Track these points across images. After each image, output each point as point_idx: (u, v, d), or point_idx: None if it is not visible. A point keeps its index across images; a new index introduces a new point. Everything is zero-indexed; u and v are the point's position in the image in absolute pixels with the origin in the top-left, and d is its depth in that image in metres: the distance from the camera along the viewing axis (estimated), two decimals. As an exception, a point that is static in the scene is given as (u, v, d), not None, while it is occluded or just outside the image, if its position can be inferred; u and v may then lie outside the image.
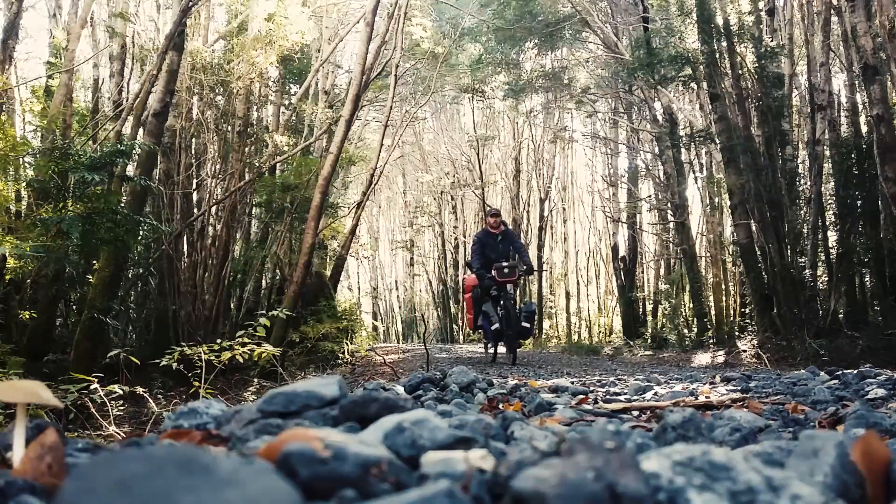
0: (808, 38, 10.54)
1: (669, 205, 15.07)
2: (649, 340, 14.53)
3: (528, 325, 8.43)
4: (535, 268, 26.69)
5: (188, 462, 0.46)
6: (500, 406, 1.78)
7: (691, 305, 13.75)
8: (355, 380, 7.79)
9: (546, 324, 23.56)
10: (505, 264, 8.25)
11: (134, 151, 7.70)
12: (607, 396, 2.15)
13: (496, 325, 8.38)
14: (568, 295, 25.18)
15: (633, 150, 18.88)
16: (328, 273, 14.64)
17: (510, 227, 9.35)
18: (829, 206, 10.44)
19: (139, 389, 4.60)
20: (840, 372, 2.58)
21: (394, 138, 18.14)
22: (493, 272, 8.21)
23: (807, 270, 9.86)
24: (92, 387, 4.15)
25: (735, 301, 12.58)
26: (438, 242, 31.20)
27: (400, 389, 2.17)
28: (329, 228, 14.25)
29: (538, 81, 19.31)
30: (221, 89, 11.61)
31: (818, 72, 10.23)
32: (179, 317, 9.98)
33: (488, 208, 8.86)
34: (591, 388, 2.54)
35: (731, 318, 12.33)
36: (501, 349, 9.17)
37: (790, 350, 8.81)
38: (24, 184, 8.74)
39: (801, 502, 0.52)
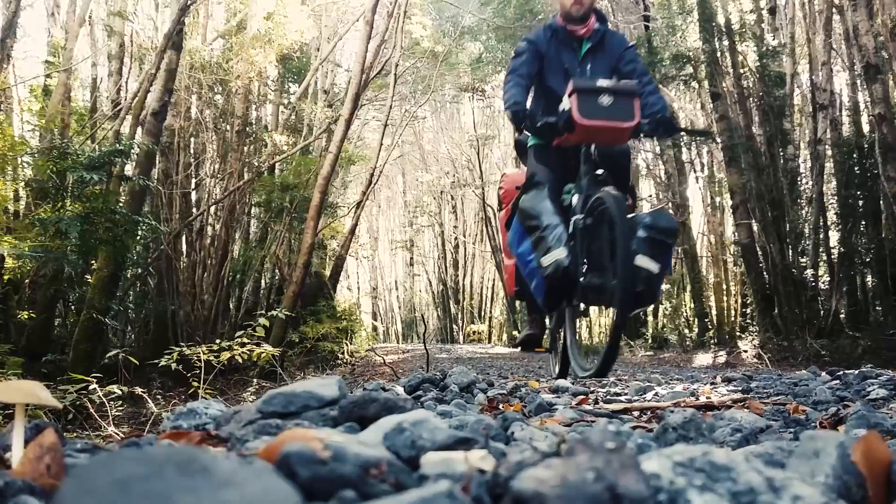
0: (810, 36, 10.54)
1: (670, 204, 15.07)
2: (650, 341, 14.54)
3: (654, 266, 3.10)
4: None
5: (187, 462, 0.46)
6: (500, 406, 1.78)
7: (692, 305, 13.76)
8: (355, 380, 7.80)
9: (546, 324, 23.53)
10: (605, 84, 3.32)
11: (132, 151, 7.70)
12: (608, 397, 2.15)
13: (557, 257, 3.18)
14: (568, 294, 25.19)
15: (633, 150, 18.88)
16: (327, 273, 14.65)
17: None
18: (830, 206, 10.45)
19: (138, 390, 4.61)
20: (841, 372, 2.58)
21: (393, 138, 18.15)
22: (570, 101, 3.30)
23: (808, 270, 9.86)
24: (91, 387, 4.16)
25: (736, 301, 12.58)
26: (438, 242, 31.22)
27: (400, 390, 2.17)
28: (328, 228, 14.25)
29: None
30: (220, 88, 11.62)
31: (820, 71, 10.23)
32: (178, 317, 9.99)
33: None
34: (592, 389, 2.54)
35: (732, 319, 12.33)
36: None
37: (791, 350, 8.81)
38: (22, 183, 8.75)
39: (801, 503, 0.51)
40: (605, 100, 3.29)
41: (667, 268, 3.23)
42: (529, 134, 3.66)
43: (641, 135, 3.48)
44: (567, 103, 3.32)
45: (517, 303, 24.45)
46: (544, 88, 3.69)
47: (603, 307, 3.56)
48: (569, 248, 3.20)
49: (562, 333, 3.95)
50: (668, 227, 3.20)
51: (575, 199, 3.37)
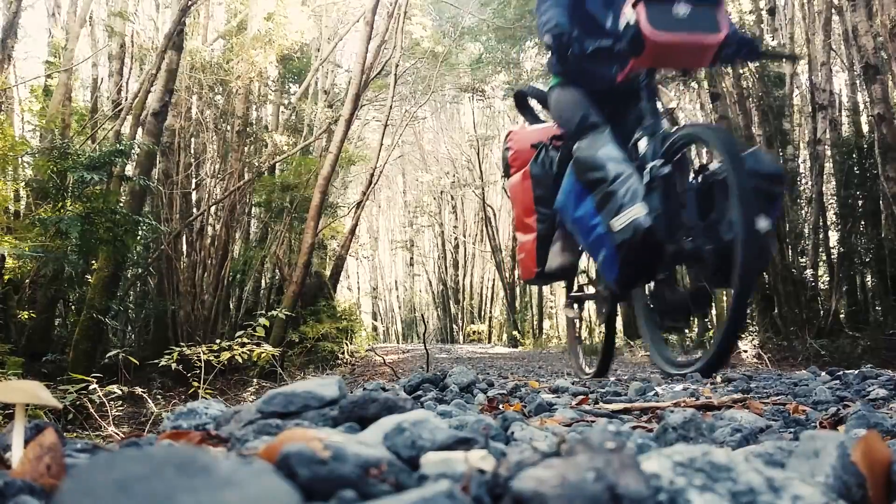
0: (810, 37, 10.55)
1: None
2: (649, 340, 14.53)
3: (765, 223, 2.21)
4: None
5: (187, 463, 0.46)
6: (500, 406, 1.77)
7: (691, 305, 13.76)
8: (355, 380, 7.81)
9: (546, 324, 23.56)
10: None
11: (133, 151, 7.70)
12: (608, 397, 2.15)
13: (634, 216, 2.43)
14: (568, 295, 25.17)
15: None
16: (328, 273, 14.65)
17: None
18: (830, 206, 10.45)
19: (138, 390, 4.61)
20: (841, 372, 2.58)
21: (393, 138, 18.15)
22: (636, 12, 2.50)
23: (808, 270, 9.87)
24: (91, 387, 4.16)
25: (735, 301, 12.59)
26: (438, 242, 31.23)
27: (400, 390, 2.17)
28: (329, 228, 14.26)
29: (538, 81, 19.35)
30: (221, 88, 11.62)
31: (819, 71, 10.24)
32: (178, 317, 9.99)
33: None
34: (592, 389, 2.54)
35: (731, 318, 12.34)
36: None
37: (791, 350, 8.81)
38: (22, 183, 8.75)
39: (801, 503, 0.51)
40: (682, 9, 2.51)
41: (774, 223, 2.46)
42: (560, 70, 2.99)
43: (722, 60, 2.72)
44: (631, 15, 2.53)
45: (517, 301, 24.42)
46: (582, 15, 2.95)
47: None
48: (649, 203, 2.43)
49: (579, 323, 3.33)
50: (775, 173, 2.48)
51: (643, 143, 2.69)
